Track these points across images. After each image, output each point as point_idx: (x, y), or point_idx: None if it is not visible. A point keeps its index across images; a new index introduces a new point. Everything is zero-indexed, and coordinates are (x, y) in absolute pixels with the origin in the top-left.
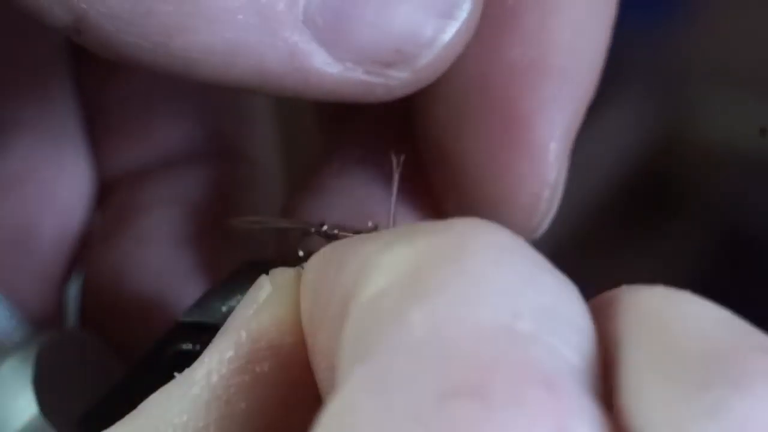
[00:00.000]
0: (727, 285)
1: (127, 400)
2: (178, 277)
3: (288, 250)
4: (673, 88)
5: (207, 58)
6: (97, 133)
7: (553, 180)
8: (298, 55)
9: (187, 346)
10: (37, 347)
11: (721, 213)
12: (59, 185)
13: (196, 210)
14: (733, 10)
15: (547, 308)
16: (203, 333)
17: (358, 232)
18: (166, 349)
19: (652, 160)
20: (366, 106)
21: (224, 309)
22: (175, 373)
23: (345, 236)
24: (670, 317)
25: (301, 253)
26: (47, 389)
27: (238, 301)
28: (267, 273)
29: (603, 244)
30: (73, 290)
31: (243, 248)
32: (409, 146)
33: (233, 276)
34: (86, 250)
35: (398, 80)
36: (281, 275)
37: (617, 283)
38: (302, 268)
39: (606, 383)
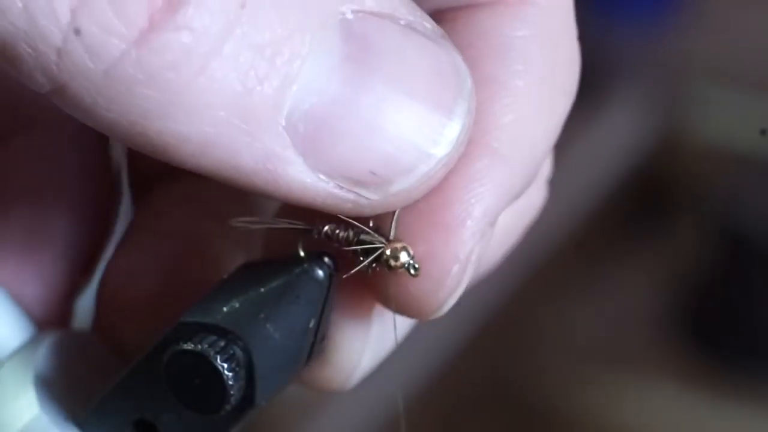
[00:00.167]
0: (727, 285)
1: (128, 400)
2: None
3: (288, 251)
4: (673, 88)
5: (181, 145)
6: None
7: (464, 257)
8: (272, 159)
9: (188, 346)
10: (38, 347)
11: (721, 213)
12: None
13: (209, 211)
14: (733, 10)
15: None
16: (204, 333)
17: (358, 232)
18: (167, 349)
19: (652, 160)
20: None
21: (225, 309)
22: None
23: (345, 236)
24: None
25: (301, 254)
26: (48, 389)
27: (239, 302)
28: (267, 272)
29: (602, 243)
30: (88, 294)
31: (243, 248)
32: None
33: (233, 276)
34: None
35: (368, 201)
36: None
37: (617, 283)
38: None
39: None
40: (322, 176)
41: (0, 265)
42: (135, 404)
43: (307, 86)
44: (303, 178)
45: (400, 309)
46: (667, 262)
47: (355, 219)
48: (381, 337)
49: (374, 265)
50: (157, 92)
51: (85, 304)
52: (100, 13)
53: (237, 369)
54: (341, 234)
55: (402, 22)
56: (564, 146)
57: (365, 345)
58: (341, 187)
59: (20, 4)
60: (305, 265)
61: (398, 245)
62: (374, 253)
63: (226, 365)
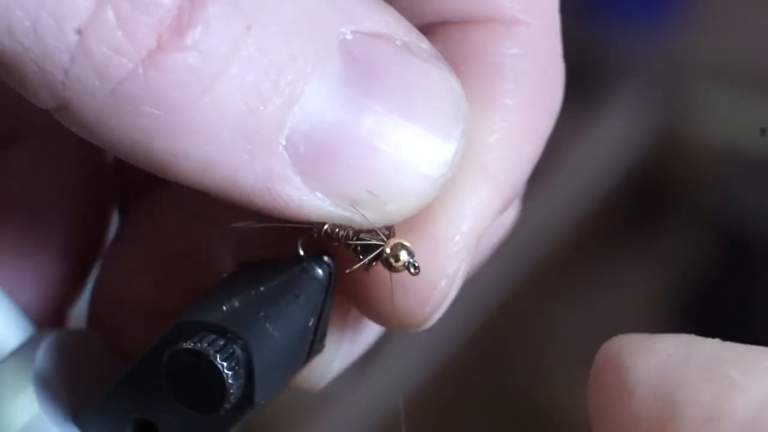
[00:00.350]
0: (727, 285)
1: (127, 399)
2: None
3: (287, 250)
4: (673, 88)
5: (183, 163)
6: None
7: (451, 272)
8: (272, 178)
9: (188, 345)
10: (37, 346)
11: (720, 213)
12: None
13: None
14: (733, 10)
15: None
16: (203, 332)
17: (358, 231)
18: (166, 348)
19: (652, 160)
20: None
21: (224, 308)
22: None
23: (345, 235)
24: None
25: (301, 253)
26: (48, 388)
27: (238, 301)
28: (267, 271)
29: (602, 244)
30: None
31: (237, 249)
32: None
33: (233, 275)
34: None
35: (363, 219)
36: None
37: (617, 283)
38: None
39: None
40: (319, 195)
41: None
42: (134, 403)
43: (309, 107)
44: (301, 196)
45: (385, 320)
46: (667, 262)
47: None
48: (353, 341)
49: (374, 263)
50: (162, 111)
51: (79, 308)
52: (109, 33)
53: (236, 368)
54: (341, 233)
55: (398, 43)
56: (564, 146)
57: (338, 349)
58: (338, 206)
59: (28, 24)
60: (305, 264)
61: (398, 244)
62: (374, 251)
63: (225, 364)
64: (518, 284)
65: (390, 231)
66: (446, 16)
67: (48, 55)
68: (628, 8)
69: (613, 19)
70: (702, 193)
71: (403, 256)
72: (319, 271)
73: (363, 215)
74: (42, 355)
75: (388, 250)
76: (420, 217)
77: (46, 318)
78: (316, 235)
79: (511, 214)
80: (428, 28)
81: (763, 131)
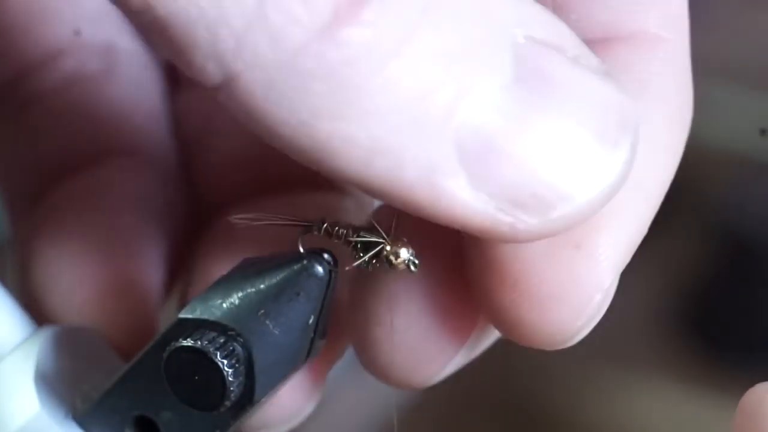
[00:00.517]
0: (727, 285)
1: (128, 397)
2: None
3: (288, 247)
4: None
5: (349, 150)
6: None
7: (607, 286)
8: (437, 173)
9: (188, 343)
10: (38, 343)
11: (720, 212)
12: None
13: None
14: (733, 10)
15: None
16: (203, 329)
17: (358, 229)
18: (166, 345)
19: None
20: None
21: (224, 306)
22: None
23: (346, 233)
24: None
25: (302, 250)
26: (48, 385)
27: (239, 299)
28: (267, 269)
29: None
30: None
31: (243, 245)
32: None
33: (233, 273)
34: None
35: (525, 225)
36: None
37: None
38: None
39: None
40: (483, 196)
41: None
42: (135, 401)
43: (479, 102)
44: (465, 196)
45: (526, 336)
46: (668, 263)
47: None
48: (473, 349)
49: (374, 261)
50: (333, 88)
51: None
52: (288, 1)
53: (237, 365)
54: (342, 231)
55: (569, 55)
56: None
57: (457, 354)
58: (501, 210)
59: None
60: (305, 262)
61: (399, 242)
62: (374, 249)
63: (225, 362)
64: None
65: (390, 229)
66: (591, 31)
67: (223, 19)
68: None
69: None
70: (701, 194)
71: (404, 253)
72: (320, 269)
73: (525, 222)
74: (42, 352)
75: (388, 248)
76: (579, 228)
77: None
78: (316, 232)
79: None
80: None
81: (763, 131)
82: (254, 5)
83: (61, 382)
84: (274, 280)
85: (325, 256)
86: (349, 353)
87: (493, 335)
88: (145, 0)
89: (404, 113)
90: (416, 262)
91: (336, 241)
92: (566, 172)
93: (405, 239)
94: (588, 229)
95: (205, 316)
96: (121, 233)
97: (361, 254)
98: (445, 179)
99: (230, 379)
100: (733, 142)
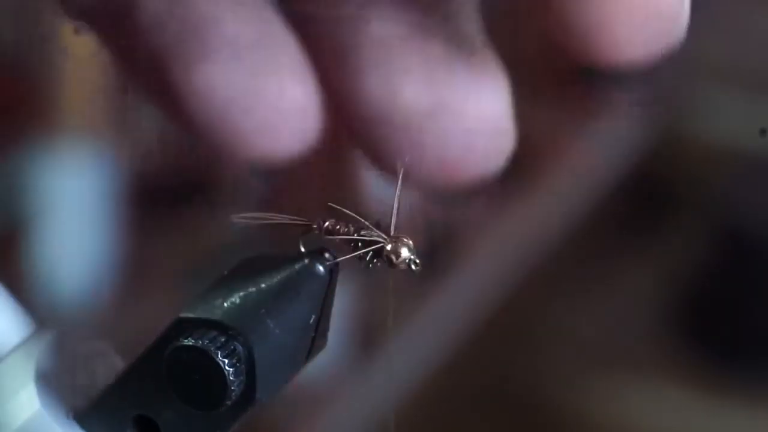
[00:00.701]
0: (727, 285)
1: (128, 396)
2: None
3: (288, 246)
4: (673, 87)
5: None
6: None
7: None
8: None
9: (189, 342)
10: (38, 343)
11: (721, 212)
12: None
13: None
14: (734, 10)
15: None
16: (204, 329)
17: (359, 228)
18: (167, 345)
19: (652, 161)
20: None
21: (225, 305)
22: None
23: (346, 232)
24: None
25: (302, 249)
26: (49, 385)
27: (239, 298)
28: (267, 268)
29: (602, 243)
30: None
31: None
32: None
33: (234, 271)
34: None
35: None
36: None
37: (617, 283)
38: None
39: None
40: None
41: None
42: (135, 400)
43: None
44: None
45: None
46: (668, 262)
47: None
48: None
49: (375, 260)
50: None
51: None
52: None
53: (238, 365)
54: (342, 229)
55: None
56: (564, 146)
57: None
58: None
59: None
60: (306, 261)
61: (399, 241)
62: (374, 249)
63: (227, 361)
64: (518, 285)
65: (391, 227)
66: None
67: None
68: None
69: None
70: (701, 193)
71: (404, 253)
72: (320, 268)
73: None
74: (43, 351)
75: (388, 248)
76: None
77: None
78: (317, 231)
79: None
80: None
81: (763, 131)
82: None
83: (61, 382)
84: (274, 280)
85: (326, 255)
86: (349, 353)
87: None
88: None
89: None
90: (417, 261)
91: (336, 239)
92: None
93: (405, 239)
94: None
95: (205, 316)
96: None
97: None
98: None
99: (231, 378)
100: (733, 142)
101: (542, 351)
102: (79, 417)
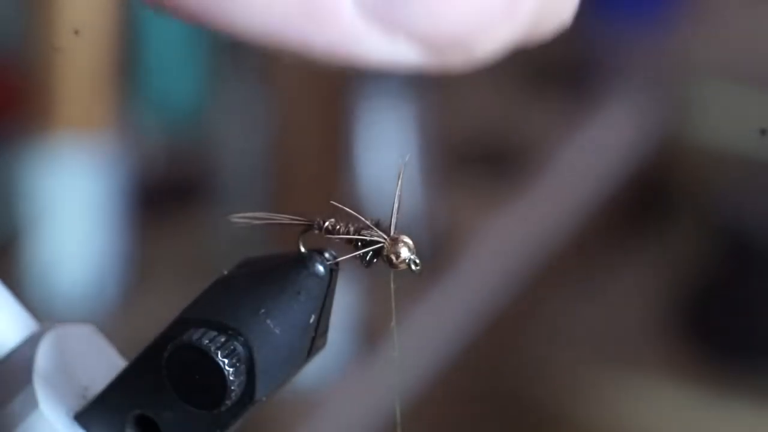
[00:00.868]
0: (727, 285)
1: (128, 396)
2: None
3: (288, 246)
4: (673, 87)
5: (249, 36)
6: None
7: None
8: (345, 41)
9: (189, 342)
10: (38, 342)
11: (720, 212)
12: None
13: None
14: (733, 9)
15: None
16: (204, 329)
17: (359, 228)
18: (167, 344)
19: (651, 161)
20: None
21: (225, 305)
22: None
23: (346, 232)
24: None
25: (302, 249)
26: (49, 384)
27: (239, 298)
28: (267, 268)
29: (602, 244)
30: None
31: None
32: None
33: (234, 272)
34: None
35: (452, 60)
36: None
37: (617, 284)
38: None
39: None
40: (401, 41)
41: None
42: (135, 399)
43: None
44: (382, 47)
45: None
46: (668, 263)
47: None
48: None
49: (375, 260)
50: None
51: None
52: None
53: (238, 365)
54: (342, 229)
55: None
56: (563, 146)
57: None
58: (423, 52)
59: None
60: (306, 261)
61: (399, 241)
62: (374, 249)
63: (227, 361)
64: (518, 286)
65: (391, 226)
66: None
67: None
68: (627, 7)
69: (612, 17)
70: (701, 194)
71: (404, 252)
72: (320, 268)
73: (453, 61)
74: (43, 351)
75: (388, 247)
76: None
77: None
78: (317, 231)
79: None
80: None
81: (763, 131)
82: None
83: (61, 382)
84: (274, 280)
85: (326, 255)
86: (349, 354)
87: None
88: None
89: (293, 5)
90: (417, 261)
91: (336, 239)
92: (482, 11)
93: (405, 239)
94: None
95: (206, 316)
96: None
97: (362, 253)
98: (357, 45)
99: (231, 378)
100: (733, 142)
101: (542, 352)
102: (79, 417)
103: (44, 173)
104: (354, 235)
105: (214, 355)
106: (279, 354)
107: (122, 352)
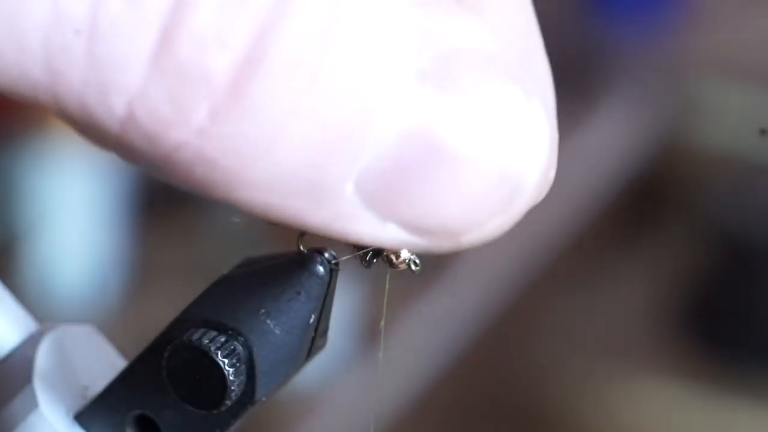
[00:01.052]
0: (727, 285)
1: (128, 396)
2: None
3: (288, 246)
4: (673, 87)
5: (246, 207)
6: None
7: None
8: (341, 219)
9: (189, 342)
10: (38, 342)
11: (721, 213)
12: None
13: None
14: (733, 9)
15: None
16: (204, 329)
17: None
18: (167, 344)
19: (652, 161)
20: None
21: (225, 305)
22: None
23: None
24: None
25: (302, 249)
26: (49, 384)
27: (239, 298)
28: (267, 268)
29: (603, 245)
30: None
31: (243, 244)
32: None
33: (234, 271)
34: None
35: (438, 246)
36: None
37: (618, 285)
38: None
39: None
40: (392, 225)
41: None
42: (135, 400)
43: (379, 150)
44: (373, 229)
45: None
46: (668, 263)
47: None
48: None
49: (375, 260)
50: (218, 174)
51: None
52: (157, 106)
53: (238, 365)
54: None
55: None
56: (562, 146)
57: None
58: (411, 236)
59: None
60: (306, 261)
61: None
62: (374, 249)
63: (227, 361)
64: (518, 287)
65: None
66: None
67: (98, 125)
68: (627, 8)
69: (611, 18)
70: (701, 194)
71: (404, 253)
72: (320, 268)
73: (439, 245)
74: (43, 351)
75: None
76: None
77: None
78: None
79: None
80: None
81: (763, 131)
82: (123, 114)
83: (61, 382)
84: (274, 279)
85: (326, 255)
86: (349, 353)
87: None
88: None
89: (295, 183)
90: (417, 261)
91: (336, 240)
92: (475, 207)
93: None
94: None
95: (205, 316)
96: None
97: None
98: (351, 224)
99: (231, 378)
100: (733, 142)
101: (542, 353)
102: (79, 417)
103: (45, 174)
104: None
105: (214, 355)
106: (279, 354)
107: (122, 352)
